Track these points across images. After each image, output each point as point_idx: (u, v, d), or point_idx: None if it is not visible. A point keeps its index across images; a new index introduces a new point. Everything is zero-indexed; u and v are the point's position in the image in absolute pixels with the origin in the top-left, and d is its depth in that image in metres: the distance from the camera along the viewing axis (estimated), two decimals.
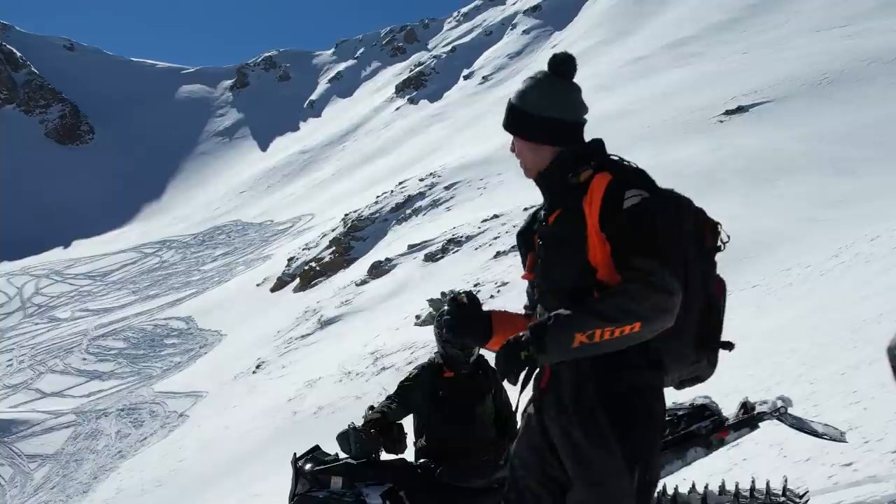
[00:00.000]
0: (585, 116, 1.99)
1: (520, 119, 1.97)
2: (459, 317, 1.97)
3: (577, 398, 1.85)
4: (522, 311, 2.13)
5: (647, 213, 1.77)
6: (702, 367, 1.95)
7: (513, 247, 20.21)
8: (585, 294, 1.80)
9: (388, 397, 3.26)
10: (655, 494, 2.64)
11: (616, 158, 1.92)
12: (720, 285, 1.95)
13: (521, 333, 1.78)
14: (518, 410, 2.06)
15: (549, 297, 1.92)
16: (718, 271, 1.98)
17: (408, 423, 3.24)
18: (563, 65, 1.94)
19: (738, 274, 11.72)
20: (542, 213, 2.00)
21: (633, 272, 1.72)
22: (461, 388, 3.26)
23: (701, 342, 1.89)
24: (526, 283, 2.07)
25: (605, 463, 1.79)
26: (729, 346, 1.95)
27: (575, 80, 2.00)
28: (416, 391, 3.26)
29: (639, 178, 1.85)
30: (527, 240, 2.05)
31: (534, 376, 1.95)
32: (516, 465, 2.01)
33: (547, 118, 1.93)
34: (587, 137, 2.00)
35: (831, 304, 7.54)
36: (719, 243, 1.96)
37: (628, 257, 1.74)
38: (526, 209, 22.24)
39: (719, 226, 1.95)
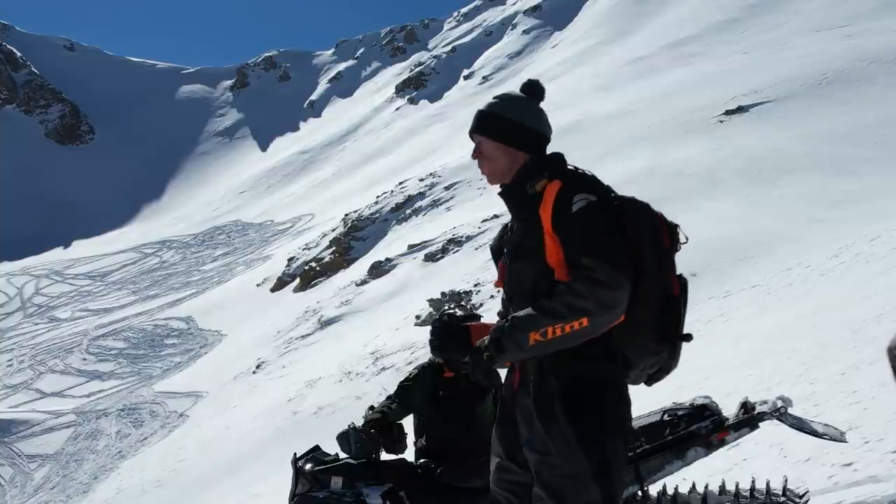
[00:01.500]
0: (550, 136, 2.18)
1: (496, 122, 2.15)
2: (440, 336, 2.16)
3: (539, 392, 1.99)
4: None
5: (592, 215, 1.92)
6: (664, 359, 2.05)
7: None
8: (545, 295, 1.93)
9: (389, 397, 3.26)
10: (655, 494, 2.65)
11: (571, 169, 2.09)
12: (679, 283, 2.05)
13: (484, 338, 1.97)
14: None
15: (516, 302, 2.05)
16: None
17: (408, 423, 3.24)
18: (535, 88, 2.18)
19: (739, 274, 11.73)
20: (510, 224, 2.18)
21: (579, 270, 1.86)
22: (461, 388, 3.27)
23: (661, 334, 1.99)
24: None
25: (561, 447, 1.92)
26: (688, 337, 2.06)
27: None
28: (416, 391, 3.27)
29: (587, 184, 2.02)
30: (498, 252, 2.22)
31: (504, 381, 2.14)
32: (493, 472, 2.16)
33: (521, 124, 2.12)
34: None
35: (831, 304, 7.53)
36: (678, 244, 2.09)
37: (576, 256, 1.89)
38: None
39: (677, 228, 2.09)
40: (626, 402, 2.04)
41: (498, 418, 2.16)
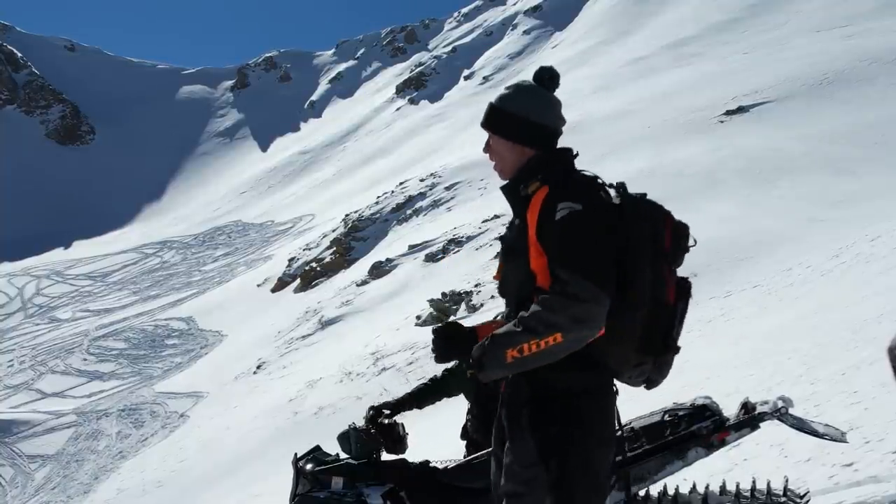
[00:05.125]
0: (562, 129, 2.10)
1: (501, 118, 2.06)
2: (440, 344, 2.06)
3: (511, 399, 1.99)
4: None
5: (573, 225, 1.83)
6: (648, 370, 1.98)
7: None
8: (528, 300, 1.88)
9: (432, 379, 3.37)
10: (656, 494, 2.64)
11: (566, 170, 2.02)
12: (678, 289, 1.97)
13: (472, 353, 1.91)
14: None
15: (506, 301, 2.04)
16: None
17: (409, 424, 3.24)
18: (549, 78, 2.08)
19: (739, 274, 11.73)
20: (512, 220, 2.10)
21: (555, 283, 1.80)
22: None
23: (644, 346, 1.92)
24: None
25: (520, 452, 1.92)
26: (676, 350, 1.99)
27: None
28: (454, 380, 3.33)
29: (575, 190, 1.92)
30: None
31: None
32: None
33: (527, 119, 2.03)
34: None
35: (832, 304, 7.53)
36: (684, 247, 2.00)
37: (554, 268, 1.83)
38: None
39: (686, 229, 2.00)
40: (606, 412, 1.96)
41: (496, 419, 2.12)
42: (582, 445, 1.89)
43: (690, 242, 2.01)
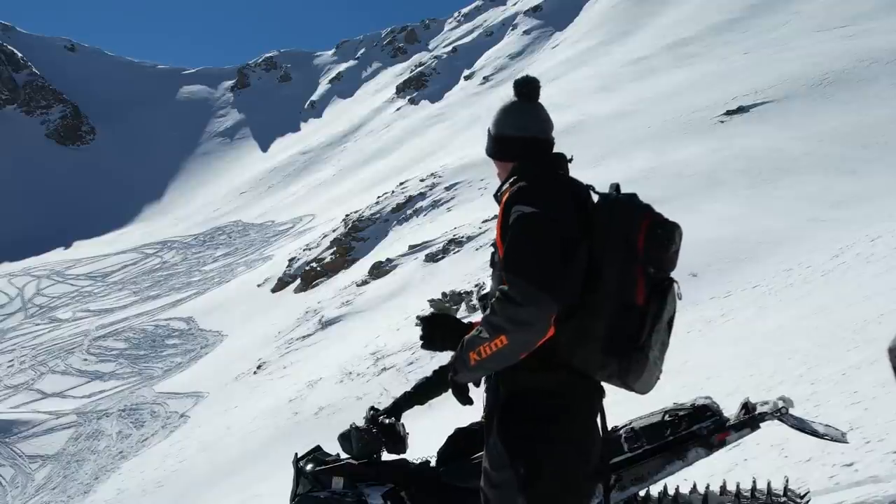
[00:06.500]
0: (544, 135, 2.13)
1: (490, 141, 2.20)
2: (426, 332, 2.12)
3: (487, 403, 2.04)
4: None
5: (519, 228, 1.87)
6: (615, 372, 1.91)
7: None
8: None
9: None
10: (656, 494, 2.65)
11: (533, 174, 2.02)
12: (652, 289, 1.90)
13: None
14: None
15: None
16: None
17: (410, 423, 3.24)
18: (524, 87, 2.13)
19: (740, 274, 11.74)
20: None
21: (499, 287, 1.83)
22: None
23: (608, 347, 1.88)
24: None
25: (492, 456, 1.97)
26: (643, 350, 1.90)
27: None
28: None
29: (531, 194, 1.93)
30: None
31: None
32: None
33: (503, 136, 2.13)
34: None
35: (832, 304, 7.53)
36: (664, 247, 1.92)
37: (503, 271, 1.85)
38: None
39: (669, 229, 1.92)
40: (579, 412, 1.95)
41: None
42: (551, 445, 1.90)
43: (671, 242, 1.94)
